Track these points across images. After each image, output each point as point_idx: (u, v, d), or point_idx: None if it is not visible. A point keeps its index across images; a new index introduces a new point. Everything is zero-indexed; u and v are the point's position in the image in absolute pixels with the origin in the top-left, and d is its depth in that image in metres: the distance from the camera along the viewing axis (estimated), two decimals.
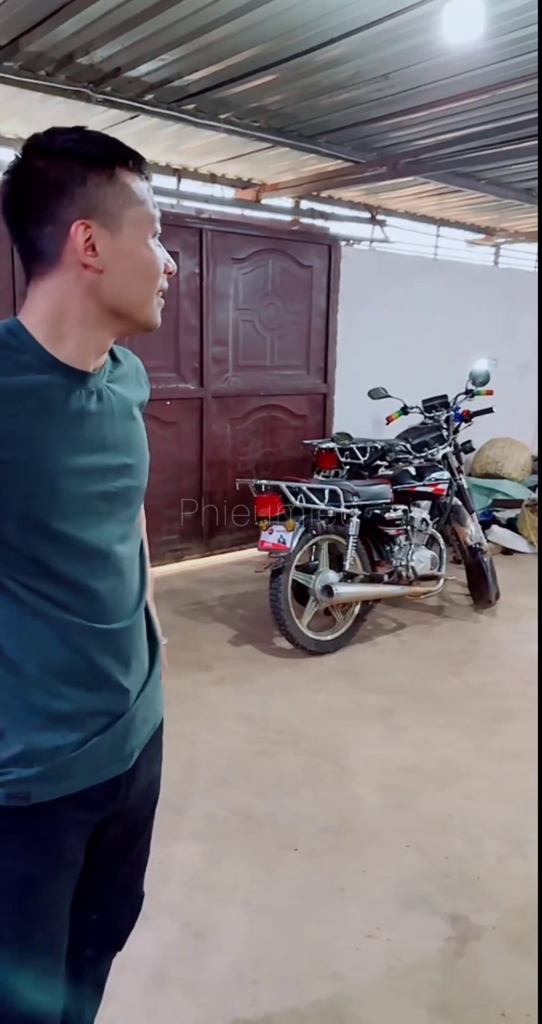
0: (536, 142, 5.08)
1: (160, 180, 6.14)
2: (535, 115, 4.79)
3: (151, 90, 4.54)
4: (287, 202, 6.89)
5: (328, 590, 4.09)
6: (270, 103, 4.79)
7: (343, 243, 6.48)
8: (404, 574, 4.45)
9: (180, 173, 6.20)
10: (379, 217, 7.56)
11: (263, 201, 6.64)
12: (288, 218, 6.85)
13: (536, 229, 8.47)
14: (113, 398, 1.21)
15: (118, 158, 1.10)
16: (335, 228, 6.89)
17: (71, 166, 1.07)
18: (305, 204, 6.98)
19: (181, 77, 4.36)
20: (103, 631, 1.18)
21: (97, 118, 4.86)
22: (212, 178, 6.39)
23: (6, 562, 1.10)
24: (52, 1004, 1.23)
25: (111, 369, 1.23)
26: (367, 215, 7.48)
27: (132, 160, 1.12)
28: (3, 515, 1.07)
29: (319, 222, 6.96)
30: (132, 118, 4.86)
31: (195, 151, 5.74)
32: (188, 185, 6.31)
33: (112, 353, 1.25)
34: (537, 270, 6.58)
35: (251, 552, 5.59)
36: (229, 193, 6.61)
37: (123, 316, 1.15)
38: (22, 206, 1.09)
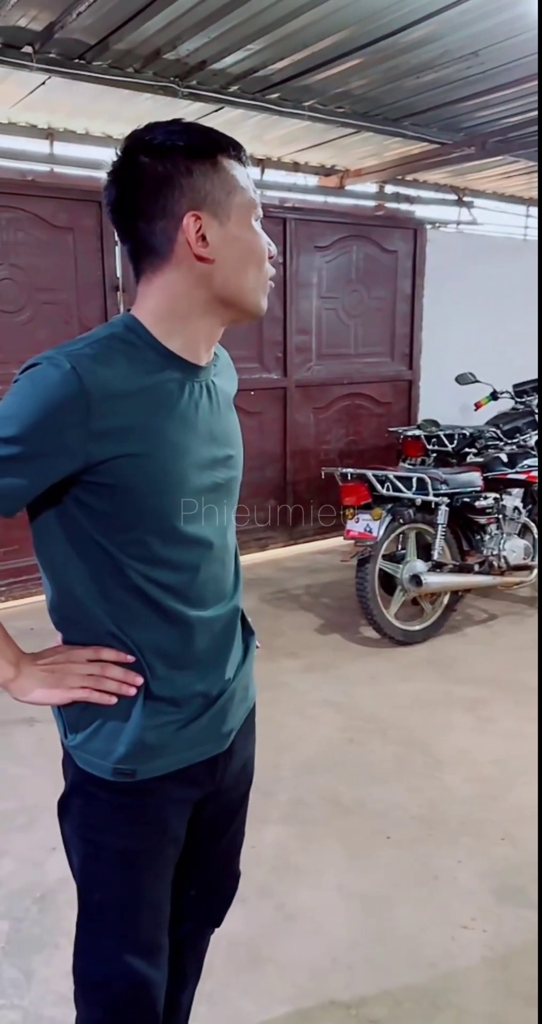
0: None
1: None
2: None
3: (236, 81, 4.58)
4: (371, 187, 6.83)
5: (417, 579, 4.04)
6: (354, 88, 4.75)
7: (429, 226, 6.38)
8: (495, 564, 4.35)
9: (263, 163, 6.22)
10: (466, 199, 7.40)
11: (347, 187, 6.60)
12: (372, 203, 6.79)
13: None
14: (217, 390, 1.23)
15: (220, 147, 1.11)
16: (420, 211, 6.80)
17: (176, 159, 1.08)
18: (390, 188, 6.91)
19: (265, 67, 4.38)
20: (207, 618, 1.22)
21: (182, 112, 4.92)
22: (295, 166, 6.40)
23: (125, 551, 1.12)
24: (157, 975, 1.27)
25: (214, 363, 1.25)
26: (454, 197, 7.33)
27: (233, 148, 1.12)
28: (128, 506, 1.10)
29: (404, 206, 6.87)
30: (217, 110, 4.91)
31: (279, 140, 5.75)
32: (271, 175, 6.33)
33: None
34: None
35: (335, 541, 5.58)
36: (312, 181, 6.60)
37: (233, 304, 1.16)
38: (131, 205, 1.11)
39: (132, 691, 1.15)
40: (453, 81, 4.68)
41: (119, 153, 1.12)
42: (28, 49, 3.96)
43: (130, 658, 1.15)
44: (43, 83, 4.27)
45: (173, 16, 3.69)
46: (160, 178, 1.08)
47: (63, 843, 1.27)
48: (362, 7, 3.66)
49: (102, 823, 1.21)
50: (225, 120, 5.14)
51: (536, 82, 4.60)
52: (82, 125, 5.31)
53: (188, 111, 4.91)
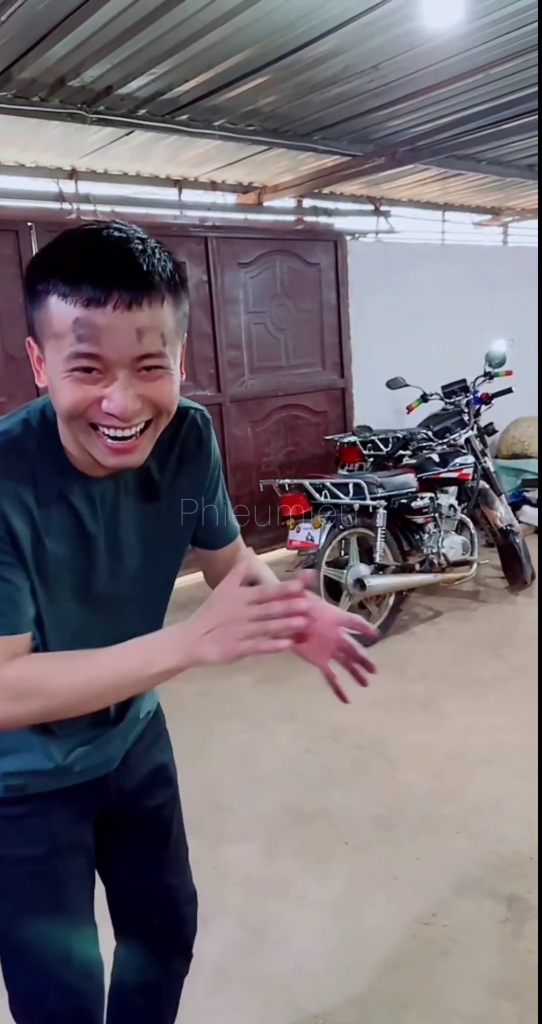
0: (533, 118, 5.06)
1: (161, 192, 6.21)
2: (528, 92, 4.75)
3: (144, 104, 4.59)
4: (289, 202, 6.91)
5: (360, 583, 4.08)
6: (263, 105, 4.81)
7: (349, 237, 6.47)
8: (436, 562, 4.42)
9: (181, 184, 6.25)
10: (383, 208, 7.55)
11: (265, 203, 6.67)
12: (292, 218, 6.87)
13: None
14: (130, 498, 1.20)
15: (45, 279, 0.96)
16: (340, 223, 6.90)
17: (27, 279, 1.01)
18: (308, 202, 7.00)
19: (172, 89, 4.40)
20: None
21: (93, 137, 4.93)
22: (213, 185, 6.44)
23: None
24: (91, 987, 1.28)
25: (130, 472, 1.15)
26: (371, 207, 7.47)
27: (64, 281, 0.94)
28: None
29: (323, 219, 6.97)
30: (128, 134, 4.92)
31: (194, 160, 5.78)
32: (189, 195, 6.36)
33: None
34: (538, 249, 6.52)
35: (281, 552, 5.59)
36: (231, 199, 6.65)
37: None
38: None
39: (301, 622, 0.97)
40: (358, 94, 4.78)
41: None
42: None
43: (296, 585, 1.00)
44: None
45: (75, 43, 3.69)
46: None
47: None
48: (263, 26, 3.72)
49: (1, 838, 1.23)
50: (138, 143, 5.16)
51: (440, 91, 4.74)
52: None
53: (98, 136, 4.91)
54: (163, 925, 1.45)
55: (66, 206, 5.57)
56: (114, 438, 1.01)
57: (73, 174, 5.65)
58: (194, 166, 5.95)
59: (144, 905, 1.43)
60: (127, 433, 1.01)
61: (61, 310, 0.94)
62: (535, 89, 4.70)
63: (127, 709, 1.31)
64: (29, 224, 4.60)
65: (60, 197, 5.58)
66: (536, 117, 5.04)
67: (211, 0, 3.41)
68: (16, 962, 1.26)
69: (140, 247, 0.96)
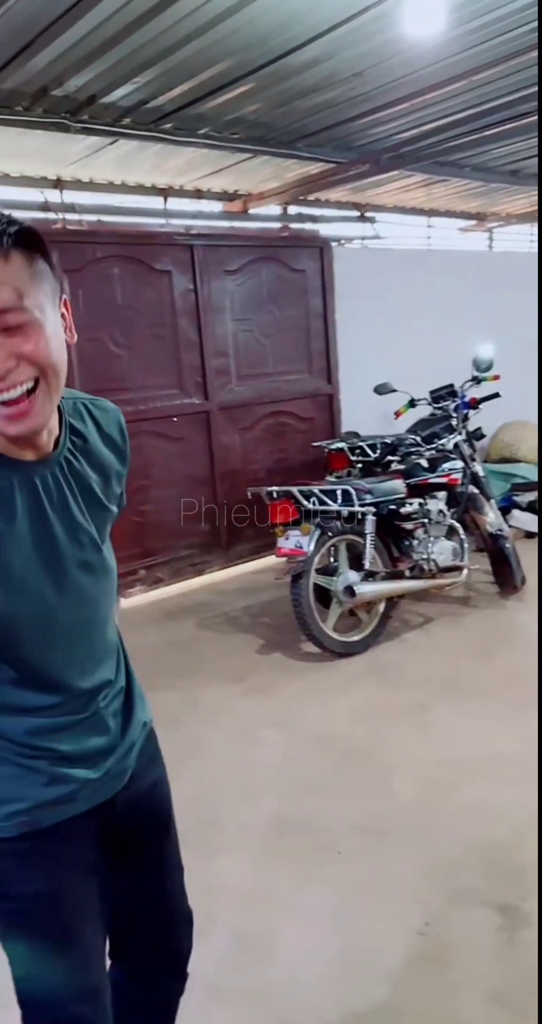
0: (517, 124, 5.08)
1: (147, 201, 6.20)
2: (512, 98, 4.77)
3: (128, 113, 4.58)
4: (275, 209, 6.91)
5: (350, 590, 4.07)
6: (247, 113, 4.81)
7: (334, 244, 6.49)
8: (426, 567, 4.42)
9: (166, 192, 6.25)
10: (368, 214, 7.57)
11: (251, 211, 6.67)
12: (277, 225, 6.87)
13: (527, 209, 8.43)
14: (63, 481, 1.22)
15: None
16: (325, 230, 6.91)
17: None
18: (293, 209, 7.00)
19: (156, 98, 4.40)
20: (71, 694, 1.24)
21: (78, 147, 4.92)
22: (198, 194, 6.44)
23: None
24: (101, 1014, 1.27)
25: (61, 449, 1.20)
26: (356, 214, 7.49)
27: None
28: None
29: (308, 226, 6.98)
30: (112, 143, 4.91)
31: (178, 169, 5.78)
32: (175, 203, 6.35)
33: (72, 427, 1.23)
34: (538, 255, 6.58)
35: (271, 560, 5.58)
36: (217, 207, 6.65)
37: None
38: None
39: None
40: (342, 101, 4.78)
41: None
42: None
43: None
44: None
45: (57, 53, 3.67)
46: None
47: None
48: (246, 34, 3.72)
49: (10, 874, 1.20)
50: (123, 152, 5.15)
51: (424, 97, 4.75)
52: None
53: (84, 145, 4.90)
54: (159, 946, 1.44)
55: (51, 216, 5.55)
56: (3, 402, 1.03)
57: (58, 183, 5.63)
58: (179, 174, 5.95)
59: (140, 926, 1.42)
60: (13, 395, 1.03)
61: None
62: (515, 96, 4.72)
63: (129, 723, 1.32)
64: None
65: (45, 207, 5.56)
66: (518, 123, 5.07)
67: (194, 9, 3.41)
68: (29, 992, 1.24)
69: None
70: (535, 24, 3.80)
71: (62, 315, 1.12)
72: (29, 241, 1.04)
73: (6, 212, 1.04)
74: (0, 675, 1.17)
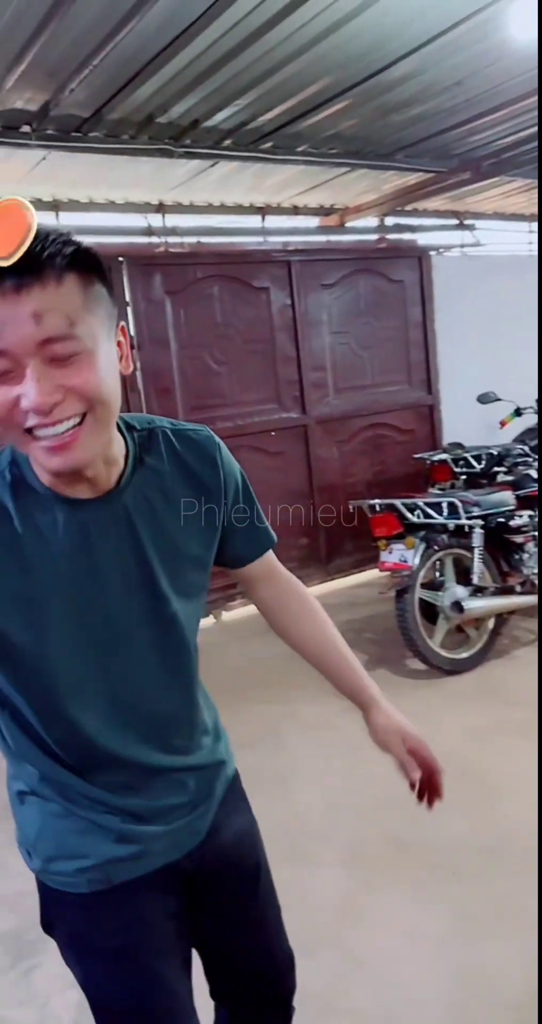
0: None
1: (244, 220, 6.30)
2: None
3: (228, 136, 4.68)
4: (372, 221, 6.90)
5: (457, 606, 3.98)
6: (345, 129, 4.83)
7: (433, 253, 6.41)
8: (537, 582, 4.27)
9: (263, 210, 6.32)
10: (467, 222, 7.45)
11: (347, 224, 6.68)
12: (374, 237, 6.85)
13: None
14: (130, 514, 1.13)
15: None
16: (423, 239, 6.84)
17: None
18: (390, 220, 6.98)
19: (255, 119, 4.47)
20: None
21: (180, 170, 5.05)
22: (295, 210, 6.49)
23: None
24: None
25: (124, 485, 1.10)
26: (455, 222, 7.38)
27: None
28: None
29: (406, 236, 6.93)
30: (213, 165, 5.02)
31: (276, 186, 5.85)
32: (272, 220, 6.43)
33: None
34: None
35: (372, 574, 5.53)
36: (313, 222, 6.69)
37: None
38: None
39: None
40: (441, 111, 4.74)
41: None
42: (26, 128, 4.10)
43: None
44: (43, 158, 4.40)
45: (162, 82, 3.80)
46: None
47: (61, 955, 1.23)
48: (343, 52, 3.74)
49: (87, 928, 1.17)
50: (222, 174, 5.25)
51: (525, 102, 4.65)
52: (85, 194, 5.45)
53: (185, 169, 5.03)
54: (259, 990, 1.39)
55: (154, 240, 5.72)
56: (47, 436, 0.95)
57: (160, 208, 5.80)
58: (277, 192, 6.02)
59: (238, 971, 1.37)
60: (59, 429, 0.95)
61: None
62: None
63: (211, 779, 1.27)
64: (120, 259, 4.76)
65: (149, 231, 5.74)
66: None
67: (293, 32, 3.46)
68: None
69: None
70: None
71: (118, 343, 1.03)
72: (86, 263, 0.95)
73: (52, 231, 0.95)
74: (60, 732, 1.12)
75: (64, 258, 0.92)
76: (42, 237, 0.91)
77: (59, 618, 1.05)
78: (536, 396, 5.00)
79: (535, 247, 8.07)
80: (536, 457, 4.57)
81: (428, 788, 1.35)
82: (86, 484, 1.05)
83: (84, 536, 1.05)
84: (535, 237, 8.15)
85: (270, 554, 1.38)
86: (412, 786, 1.33)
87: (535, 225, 8.10)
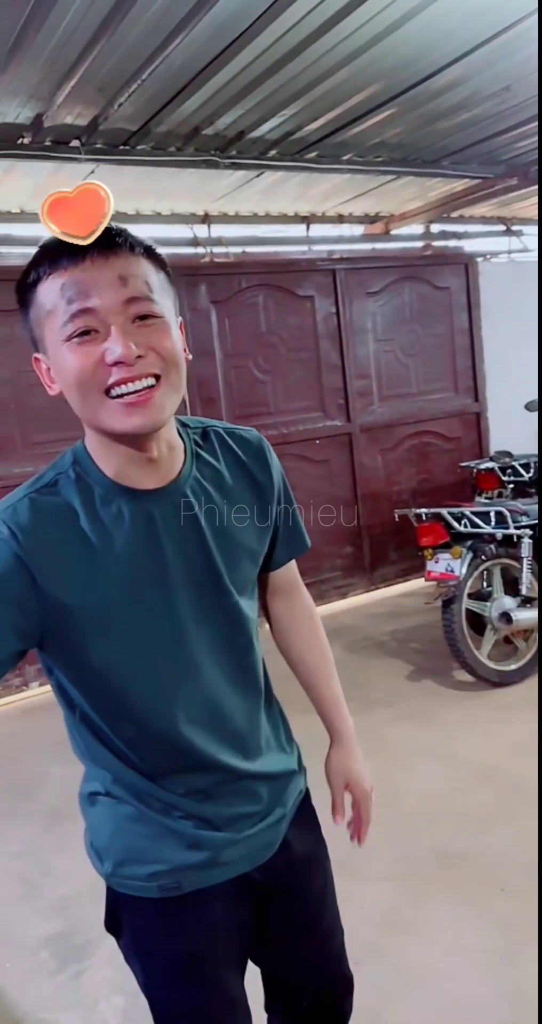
0: None
1: (289, 229, 6.32)
2: None
3: (274, 146, 4.70)
4: (417, 229, 6.86)
5: (506, 617, 3.92)
6: (390, 137, 4.82)
7: (479, 259, 6.35)
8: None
9: (308, 219, 6.33)
10: (514, 228, 7.36)
11: (393, 232, 6.65)
12: (419, 244, 6.81)
13: None
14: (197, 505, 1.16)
15: (35, 276, 1.02)
16: (469, 246, 6.79)
17: (18, 291, 1.06)
18: (436, 227, 6.93)
19: (301, 129, 4.48)
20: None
21: (225, 181, 5.09)
22: (340, 218, 6.49)
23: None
24: None
25: (185, 478, 1.14)
26: (501, 228, 7.30)
27: (48, 263, 1.01)
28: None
29: (452, 243, 6.87)
30: (258, 176, 5.04)
31: (321, 195, 5.86)
32: (317, 229, 6.43)
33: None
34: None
35: (418, 583, 5.48)
36: (358, 230, 6.68)
37: (99, 430, 1.06)
38: None
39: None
40: (487, 117, 4.69)
41: None
42: (75, 143, 4.18)
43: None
44: (92, 172, 4.48)
45: (208, 95, 3.83)
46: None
47: (123, 957, 1.25)
48: (390, 60, 3.73)
49: (154, 933, 1.19)
50: (267, 184, 5.28)
51: None
52: (132, 206, 5.52)
53: (231, 180, 5.07)
54: (316, 1011, 1.39)
55: (200, 250, 5.78)
56: (126, 393, 1.00)
57: (206, 219, 5.85)
58: (322, 201, 6.02)
59: (297, 988, 1.37)
60: (138, 386, 1.00)
61: (48, 288, 1.00)
62: None
63: (283, 791, 1.27)
64: None
65: (194, 242, 5.80)
66: None
67: (338, 42, 3.46)
68: None
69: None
70: None
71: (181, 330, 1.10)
72: (157, 256, 1.07)
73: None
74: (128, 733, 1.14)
75: (139, 245, 1.03)
76: (116, 229, 1.02)
77: (127, 619, 1.07)
78: None
79: None
80: None
81: (355, 833, 1.44)
82: (151, 470, 1.08)
83: (150, 527, 1.08)
84: None
85: (295, 566, 1.40)
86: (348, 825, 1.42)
87: None
